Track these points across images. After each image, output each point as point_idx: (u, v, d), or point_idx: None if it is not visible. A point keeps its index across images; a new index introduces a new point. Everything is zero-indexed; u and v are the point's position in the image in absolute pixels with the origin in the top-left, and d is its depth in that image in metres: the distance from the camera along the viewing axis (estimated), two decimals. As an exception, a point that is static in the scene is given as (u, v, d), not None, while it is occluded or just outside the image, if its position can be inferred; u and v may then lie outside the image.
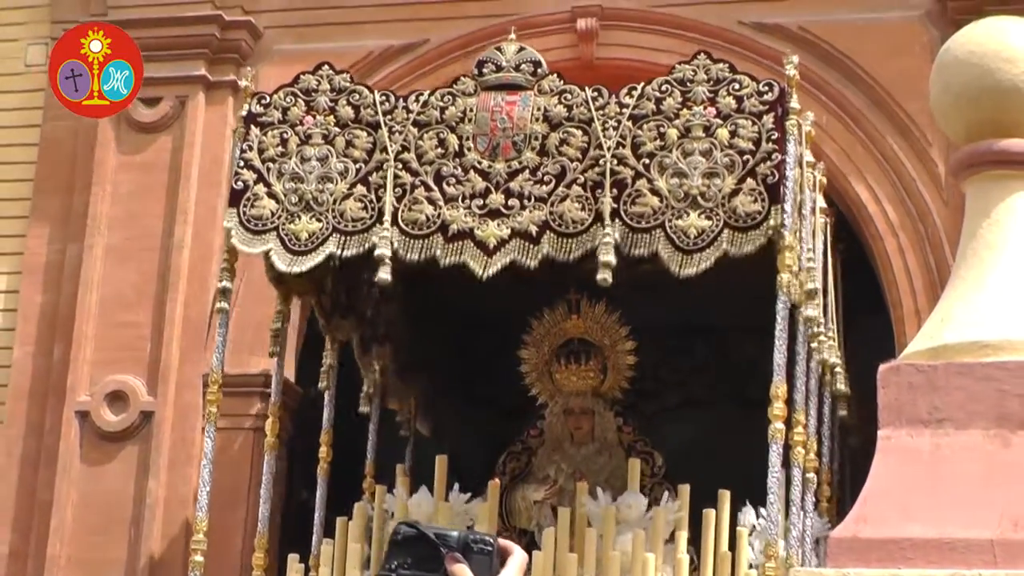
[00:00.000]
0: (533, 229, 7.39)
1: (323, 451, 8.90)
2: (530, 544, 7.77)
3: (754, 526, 7.60)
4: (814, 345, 7.98)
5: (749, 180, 7.25)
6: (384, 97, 7.81)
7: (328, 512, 8.55)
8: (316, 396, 9.28)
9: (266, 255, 7.85)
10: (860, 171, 9.75)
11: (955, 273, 4.67)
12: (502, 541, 2.49)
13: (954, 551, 4.07)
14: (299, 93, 7.92)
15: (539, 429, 9.08)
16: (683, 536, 7.69)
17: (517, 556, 2.49)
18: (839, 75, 9.88)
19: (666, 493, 8.11)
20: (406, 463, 9.27)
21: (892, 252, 9.62)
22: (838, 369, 8.84)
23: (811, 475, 8.05)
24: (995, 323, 4.42)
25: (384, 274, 7.39)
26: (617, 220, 7.28)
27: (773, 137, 7.30)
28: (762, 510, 7.40)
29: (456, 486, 8.24)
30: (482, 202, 7.48)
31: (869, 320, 9.68)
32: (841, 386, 8.81)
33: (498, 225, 7.42)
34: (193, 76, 10.53)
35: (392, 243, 7.45)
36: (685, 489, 7.96)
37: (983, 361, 4.33)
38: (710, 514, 7.70)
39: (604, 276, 7.16)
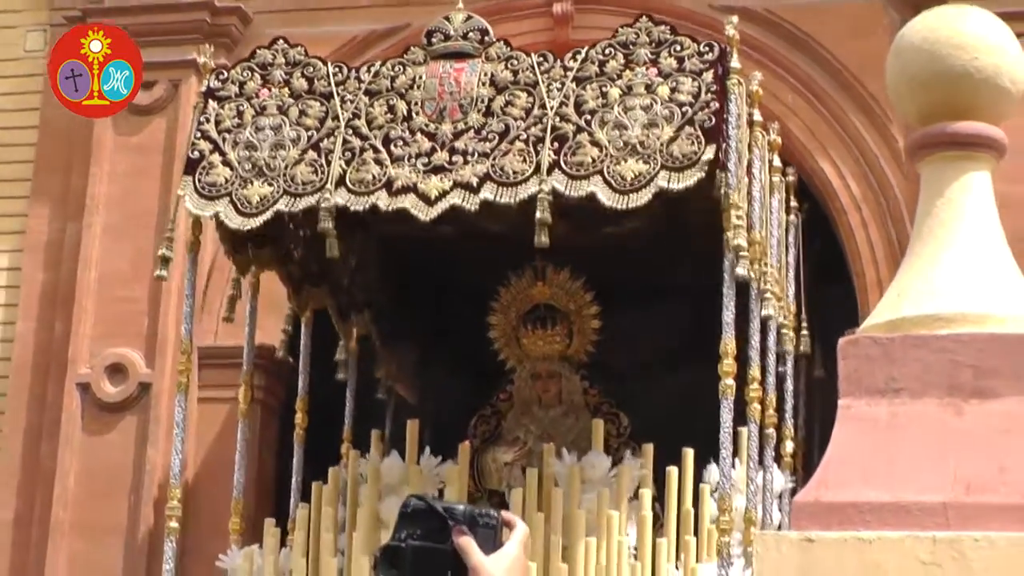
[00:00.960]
0: (474, 180, 7.26)
1: (299, 417, 8.86)
2: (500, 504, 7.74)
3: (719, 483, 7.62)
4: (770, 308, 7.91)
5: (687, 128, 7.12)
6: (337, 68, 7.68)
7: (316, 477, 8.56)
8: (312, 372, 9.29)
9: (217, 223, 7.74)
10: (825, 148, 9.79)
11: (911, 249, 4.69)
12: (506, 514, 2.53)
13: (909, 514, 4.11)
14: (256, 67, 7.79)
15: (508, 393, 9.05)
16: (647, 493, 7.67)
17: (520, 529, 2.52)
18: (805, 56, 9.91)
19: (628, 452, 8.07)
20: (386, 428, 9.25)
21: (855, 225, 9.67)
22: (785, 327, 8.72)
23: (770, 431, 8.01)
24: (949, 297, 4.45)
25: (332, 251, 7.30)
26: (556, 170, 7.16)
27: (712, 89, 7.19)
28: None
29: (427, 449, 8.20)
30: (427, 160, 7.36)
31: (835, 289, 9.74)
32: (790, 345, 8.68)
33: (440, 179, 7.30)
34: (186, 60, 10.50)
35: (335, 203, 7.33)
36: (649, 448, 7.92)
37: (937, 333, 4.36)
38: (673, 472, 7.69)
39: (541, 238, 7.02)
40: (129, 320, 10.33)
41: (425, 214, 7.28)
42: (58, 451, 10.25)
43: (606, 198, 7.09)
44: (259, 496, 9.86)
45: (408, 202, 7.29)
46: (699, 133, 7.09)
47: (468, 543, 2.44)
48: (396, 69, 7.56)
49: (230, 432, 10.08)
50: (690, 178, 7.05)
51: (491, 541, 2.47)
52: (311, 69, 7.70)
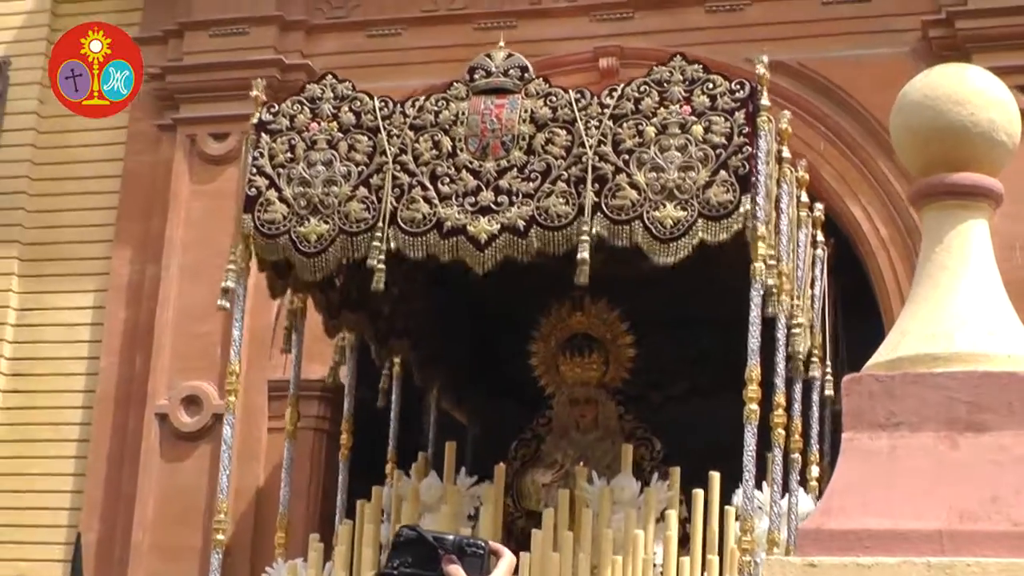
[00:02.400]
0: (521, 224, 7.22)
1: (344, 438, 8.88)
2: (538, 524, 7.70)
3: (742, 504, 7.40)
4: (795, 332, 7.81)
5: (722, 172, 7.07)
6: (383, 103, 7.63)
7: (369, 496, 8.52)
8: (370, 396, 9.33)
9: (282, 262, 7.68)
10: (854, 193, 9.81)
11: (913, 292, 4.72)
12: (493, 544, 2.58)
13: (907, 541, 4.13)
14: (305, 101, 7.76)
15: (547, 417, 9.03)
16: (672, 514, 7.62)
17: (507, 558, 2.58)
18: (835, 106, 9.94)
19: (655, 475, 8.00)
20: (428, 450, 9.23)
21: (884, 265, 9.67)
22: (812, 356, 8.57)
23: (795, 456, 7.91)
24: (946, 338, 4.48)
25: (379, 284, 7.24)
26: (599, 214, 7.12)
27: (744, 131, 7.12)
28: (756, 492, 7.31)
29: (463, 470, 8.20)
30: (474, 200, 7.31)
31: (867, 326, 9.71)
32: (815, 373, 8.54)
33: (488, 221, 7.25)
34: (257, 113, 10.66)
35: (389, 245, 7.29)
36: (676, 471, 7.88)
37: (934, 371, 4.39)
38: (699, 494, 7.65)
39: (581, 277, 6.99)
40: (203, 355, 10.46)
41: (480, 266, 7.29)
42: (138, 477, 10.41)
43: (649, 247, 7.08)
44: (322, 515, 9.92)
45: (461, 248, 7.27)
46: (733, 180, 7.05)
47: (456, 571, 2.51)
48: (439, 104, 7.53)
49: (300, 460, 10.18)
50: (727, 230, 7.03)
51: (478, 568, 2.54)
52: (358, 103, 7.66)
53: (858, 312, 9.77)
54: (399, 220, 7.37)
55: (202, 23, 11.02)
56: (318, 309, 8.59)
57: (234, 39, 10.94)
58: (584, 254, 7.04)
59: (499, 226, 7.26)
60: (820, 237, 8.82)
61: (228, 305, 7.76)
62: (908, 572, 4.03)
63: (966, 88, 4.68)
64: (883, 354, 4.59)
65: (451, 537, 2.55)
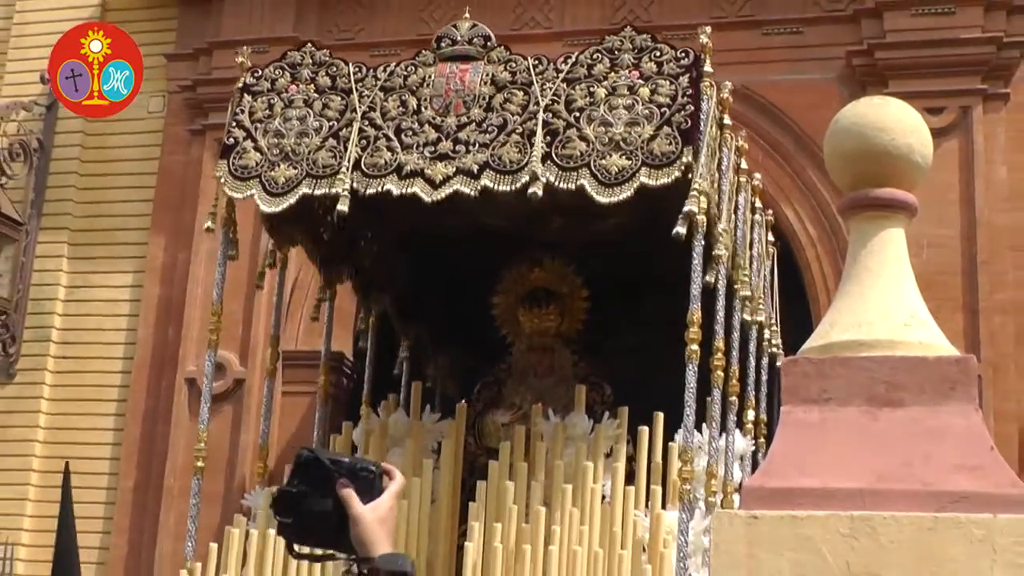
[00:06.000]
0: (475, 168, 6.91)
1: (321, 380, 8.71)
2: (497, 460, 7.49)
3: (684, 437, 6.90)
4: (746, 290, 7.63)
5: (666, 128, 6.78)
6: (357, 68, 7.33)
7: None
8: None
9: (277, 217, 7.47)
10: (788, 197, 9.91)
11: (840, 288, 4.86)
12: (385, 465, 2.48)
13: (834, 498, 4.27)
14: (286, 67, 7.48)
15: (507, 364, 8.78)
16: (621, 449, 7.40)
17: (397, 479, 2.47)
18: (772, 123, 10.04)
19: (606, 414, 7.75)
20: (400, 394, 8.99)
21: (812, 260, 9.78)
22: (760, 306, 8.33)
23: (733, 399, 7.67)
24: (869, 327, 4.61)
25: (343, 206, 6.91)
26: (548, 161, 6.83)
27: (688, 93, 6.83)
28: (696, 431, 6.99)
29: (428, 407, 8.03)
30: (433, 148, 7.02)
31: (797, 313, 9.85)
32: (753, 316, 8.17)
33: (445, 165, 6.95)
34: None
35: (351, 181, 6.99)
36: (624, 411, 7.66)
37: (859, 355, 4.52)
38: (644, 431, 7.43)
39: (534, 189, 6.69)
40: (227, 328, 10.40)
41: (430, 196, 6.92)
42: (170, 433, 10.47)
43: (593, 190, 6.75)
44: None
45: (417, 186, 6.95)
46: (676, 134, 6.75)
47: (349, 495, 2.40)
48: (409, 69, 7.24)
49: (306, 421, 10.28)
50: (669, 175, 6.71)
51: (369, 489, 2.43)
52: (335, 68, 7.38)
53: (791, 299, 9.89)
54: (362, 166, 7.08)
55: (228, 42, 11.04)
56: (312, 260, 8.32)
57: (255, 56, 10.86)
58: (536, 189, 6.73)
59: (454, 169, 6.96)
60: (759, 204, 8.56)
61: (211, 225, 7.56)
62: (835, 524, 4.17)
63: (888, 118, 4.81)
64: (815, 341, 4.73)
65: (346, 460, 2.44)
